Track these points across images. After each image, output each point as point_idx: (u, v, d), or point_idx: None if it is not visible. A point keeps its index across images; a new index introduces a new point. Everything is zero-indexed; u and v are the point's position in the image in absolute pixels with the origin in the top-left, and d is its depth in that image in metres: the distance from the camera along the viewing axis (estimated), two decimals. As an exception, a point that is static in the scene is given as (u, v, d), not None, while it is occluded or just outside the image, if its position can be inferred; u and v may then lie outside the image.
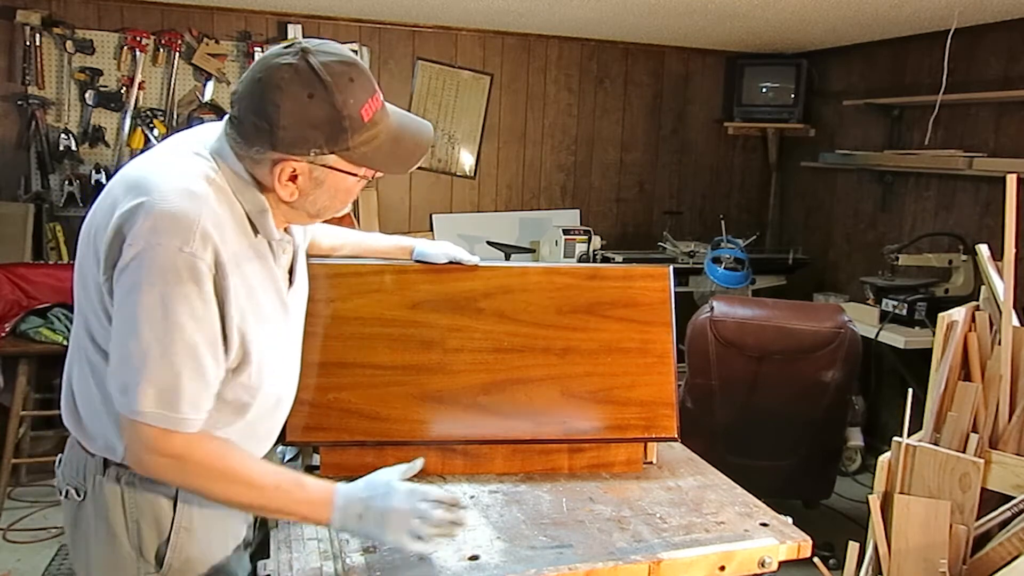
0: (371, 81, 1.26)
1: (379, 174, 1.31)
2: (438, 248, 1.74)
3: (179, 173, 1.22)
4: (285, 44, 1.24)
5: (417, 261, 1.73)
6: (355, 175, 1.29)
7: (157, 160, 1.28)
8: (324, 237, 1.74)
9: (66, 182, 3.96)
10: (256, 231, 1.29)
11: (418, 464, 1.37)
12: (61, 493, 1.37)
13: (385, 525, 1.27)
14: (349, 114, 1.21)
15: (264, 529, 1.52)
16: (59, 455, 1.42)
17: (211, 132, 1.33)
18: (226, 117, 1.29)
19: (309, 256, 1.59)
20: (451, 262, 1.72)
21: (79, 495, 1.34)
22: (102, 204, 1.27)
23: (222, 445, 1.27)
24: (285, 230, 1.39)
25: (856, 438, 4.06)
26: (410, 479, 1.34)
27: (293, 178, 1.25)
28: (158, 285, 1.15)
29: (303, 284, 1.47)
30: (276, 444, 1.50)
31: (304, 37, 4.21)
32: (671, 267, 1.79)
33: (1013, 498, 2.00)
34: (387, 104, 1.31)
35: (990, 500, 2.03)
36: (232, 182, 1.26)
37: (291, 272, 1.41)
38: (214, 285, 1.20)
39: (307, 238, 1.57)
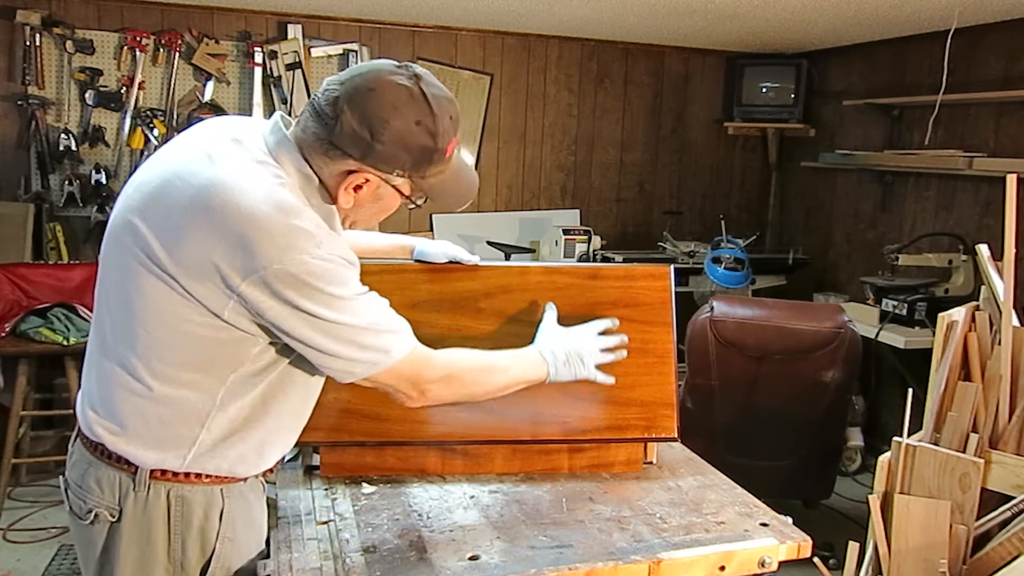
0: (459, 122, 1.32)
1: (418, 202, 1.35)
2: (438, 247, 1.73)
3: (263, 188, 1.20)
4: (396, 64, 1.27)
5: (417, 260, 1.73)
6: (409, 199, 1.33)
7: (227, 176, 1.21)
8: None
9: (66, 182, 3.95)
10: None
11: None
12: (85, 516, 1.31)
13: (584, 363, 1.53)
14: (440, 147, 1.27)
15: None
16: (62, 475, 1.38)
17: (254, 129, 1.30)
18: (306, 108, 1.27)
19: None
20: (451, 261, 1.71)
21: (112, 516, 1.30)
22: (163, 226, 1.21)
23: (454, 352, 1.42)
24: None
25: (856, 438, 4.06)
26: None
27: (357, 188, 1.27)
28: (316, 291, 1.19)
29: None
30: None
31: (304, 37, 4.25)
32: (672, 267, 1.79)
33: (1013, 498, 2.00)
34: None
35: (990, 500, 2.03)
36: (302, 187, 1.25)
37: None
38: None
39: None
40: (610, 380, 1.58)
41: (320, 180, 1.27)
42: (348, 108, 1.22)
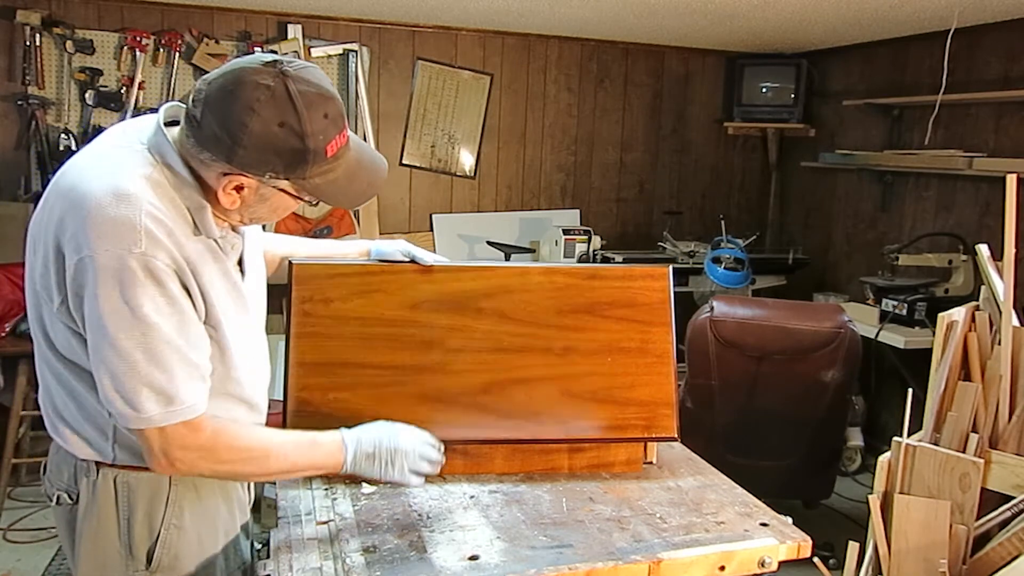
0: (343, 117, 1.26)
1: (312, 202, 1.31)
2: (394, 246, 1.70)
3: (110, 173, 1.20)
4: (266, 60, 1.21)
5: (379, 260, 1.71)
6: (300, 198, 1.29)
7: (89, 161, 1.25)
8: (279, 246, 1.73)
9: (66, 182, 3.95)
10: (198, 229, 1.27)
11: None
12: (51, 499, 1.39)
13: (393, 463, 1.41)
14: (315, 148, 1.21)
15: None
16: (43, 462, 1.44)
17: (148, 123, 1.30)
18: (184, 111, 1.25)
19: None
20: (411, 260, 1.68)
21: (71, 499, 1.36)
22: (40, 216, 1.27)
23: (239, 427, 1.34)
24: (234, 229, 1.37)
25: (856, 438, 4.06)
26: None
27: (239, 189, 1.24)
28: (116, 290, 1.15)
29: (256, 275, 1.47)
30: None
31: (304, 37, 4.25)
32: (671, 267, 1.79)
33: (1013, 498, 2.00)
34: (351, 136, 1.31)
35: (990, 500, 2.03)
36: (170, 179, 1.23)
37: (240, 264, 1.40)
38: (179, 282, 1.21)
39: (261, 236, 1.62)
40: (420, 481, 1.46)
41: (200, 178, 1.24)
42: (209, 111, 1.18)
